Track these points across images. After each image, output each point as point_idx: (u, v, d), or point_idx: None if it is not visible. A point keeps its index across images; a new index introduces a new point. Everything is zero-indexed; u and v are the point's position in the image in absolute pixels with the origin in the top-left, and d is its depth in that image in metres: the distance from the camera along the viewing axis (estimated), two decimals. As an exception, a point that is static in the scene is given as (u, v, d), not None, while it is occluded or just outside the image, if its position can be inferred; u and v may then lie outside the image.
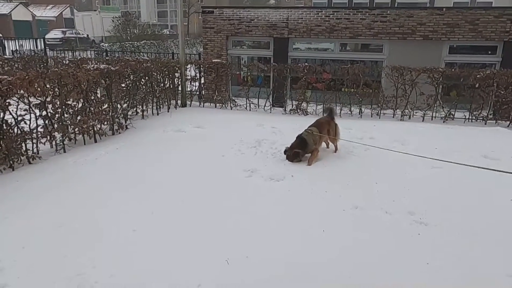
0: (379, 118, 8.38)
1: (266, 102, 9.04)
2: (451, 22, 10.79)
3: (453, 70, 8.44)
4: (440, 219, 3.56)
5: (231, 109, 9.24)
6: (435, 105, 8.25)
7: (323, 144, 5.69)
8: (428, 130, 7.01)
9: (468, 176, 4.33)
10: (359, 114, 8.53)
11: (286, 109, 8.99)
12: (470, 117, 8.13)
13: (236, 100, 9.42)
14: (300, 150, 5.11)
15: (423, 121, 8.11)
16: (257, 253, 3.01)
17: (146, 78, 7.93)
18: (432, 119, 8.22)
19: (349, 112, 8.63)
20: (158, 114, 8.23)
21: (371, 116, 8.48)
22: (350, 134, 6.58)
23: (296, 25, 11.68)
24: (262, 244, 3.16)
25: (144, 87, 7.91)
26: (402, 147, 5.82)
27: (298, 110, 8.75)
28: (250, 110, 9.12)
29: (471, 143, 6.01)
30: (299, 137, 5.23)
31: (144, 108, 7.88)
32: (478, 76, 7.85)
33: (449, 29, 10.82)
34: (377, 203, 3.87)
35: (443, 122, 8.05)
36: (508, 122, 7.83)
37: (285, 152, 5.21)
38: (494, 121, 8.01)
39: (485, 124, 7.87)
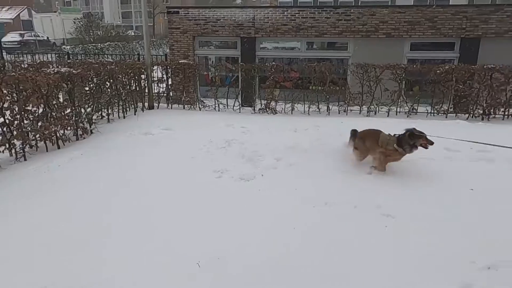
0: (346, 114, 8.55)
1: (235, 102, 9.02)
2: (412, 20, 11.16)
3: (414, 66, 8.74)
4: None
5: (200, 110, 9.15)
6: (399, 100, 8.50)
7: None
8: (392, 125, 7.18)
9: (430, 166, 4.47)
10: (327, 111, 8.67)
11: (255, 108, 9.00)
12: (432, 111, 8.44)
13: (204, 101, 9.34)
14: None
15: (388, 116, 8.34)
16: (231, 254, 2.99)
17: (111, 80, 7.71)
18: (396, 114, 8.48)
19: (317, 110, 8.75)
20: (124, 117, 8.03)
21: (339, 113, 8.64)
22: (318, 130, 6.69)
23: (263, 24, 11.73)
24: (235, 244, 3.14)
25: (109, 90, 7.69)
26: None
27: (267, 109, 8.79)
28: (219, 110, 9.07)
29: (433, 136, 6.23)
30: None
31: (109, 111, 7.67)
32: (437, 71, 8.16)
33: (410, 26, 11.19)
34: (348, 199, 3.92)
35: (407, 116, 8.32)
36: (467, 115, 8.18)
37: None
38: (454, 115, 8.35)
39: (446, 117, 8.19)
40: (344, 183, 4.38)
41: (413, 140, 4.38)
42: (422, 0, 26.27)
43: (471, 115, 8.17)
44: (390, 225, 3.42)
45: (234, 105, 9.02)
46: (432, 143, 4.38)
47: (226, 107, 9.10)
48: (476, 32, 10.95)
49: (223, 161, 5.11)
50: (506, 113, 8.05)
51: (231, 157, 5.30)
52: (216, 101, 9.07)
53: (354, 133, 5.08)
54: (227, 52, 12.50)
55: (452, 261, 2.84)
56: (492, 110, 8.03)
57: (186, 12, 12.13)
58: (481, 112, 8.11)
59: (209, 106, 9.18)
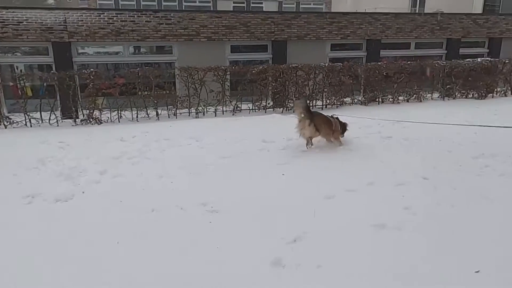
0: (176, 118, 8.61)
1: (50, 115, 8.02)
2: (229, 24, 11.98)
3: (233, 67, 9.42)
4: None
5: (6, 128, 7.81)
6: (224, 100, 9.03)
7: None
8: (220, 124, 7.64)
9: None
10: (156, 116, 8.55)
11: (77, 120, 8.21)
12: (254, 108, 9.25)
13: (11, 117, 8.01)
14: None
15: (215, 116, 8.76)
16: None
17: None
18: (223, 113, 8.98)
19: (147, 116, 8.54)
20: None
21: (169, 117, 8.63)
22: (147, 137, 6.55)
23: (77, 28, 10.77)
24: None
25: None
26: (197, 143, 6.17)
27: (91, 120, 8.13)
28: (31, 126, 7.93)
29: (255, 130, 6.85)
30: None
31: None
32: (253, 71, 8.98)
33: (228, 30, 11.99)
34: (197, 200, 3.94)
35: (233, 115, 8.91)
36: (282, 109, 9.27)
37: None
38: (272, 109, 9.35)
39: (265, 112, 9.10)
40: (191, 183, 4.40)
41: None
42: (241, 7, 28.61)
43: (285, 108, 9.28)
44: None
45: (50, 119, 8.01)
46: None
47: (40, 121, 8.02)
48: (283, 36, 12.50)
49: (34, 184, 4.48)
50: (311, 104, 9.42)
51: (45, 178, 4.69)
52: (27, 116, 7.89)
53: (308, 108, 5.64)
54: (38, 59, 11.04)
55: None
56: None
57: (-25, 12, 10.18)
58: (292, 105, 9.29)
59: (17, 122, 7.91)
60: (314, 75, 9.35)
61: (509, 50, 14.56)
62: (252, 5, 29.32)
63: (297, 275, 2.74)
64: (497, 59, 11.40)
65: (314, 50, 12.81)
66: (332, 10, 27.72)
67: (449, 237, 3.17)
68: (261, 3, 29.60)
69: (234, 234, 3.32)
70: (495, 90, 10.91)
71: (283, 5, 30.18)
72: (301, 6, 30.68)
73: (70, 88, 8.15)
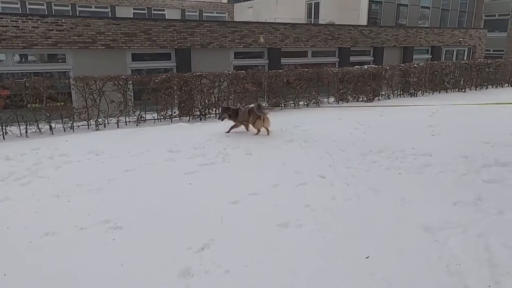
0: (73, 131, 7.97)
1: None
2: (128, 31, 11.52)
3: (135, 76, 9.08)
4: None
5: None
6: (127, 110, 8.63)
7: None
8: (123, 135, 7.28)
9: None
10: (50, 130, 7.81)
11: (-51, 139, 7.12)
12: (159, 117, 9.01)
13: None
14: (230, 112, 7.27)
15: (118, 127, 8.32)
16: None
17: None
18: (126, 124, 8.57)
19: (38, 130, 7.75)
20: None
21: (64, 131, 7.95)
22: (38, 154, 5.95)
23: None
24: None
25: None
26: (97, 157, 5.80)
27: (-32, 138, 7.11)
28: None
29: (160, 140, 6.68)
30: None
31: None
32: (156, 80, 8.76)
33: (128, 38, 11.53)
34: (99, 218, 3.65)
35: (136, 125, 8.56)
36: (188, 117, 9.19)
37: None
38: (179, 118, 9.21)
39: (171, 121, 8.92)
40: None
41: None
42: (142, 14, 27.73)
43: (192, 116, 9.23)
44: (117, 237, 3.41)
45: None
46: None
47: None
48: (186, 44, 12.44)
49: None
50: (217, 111, 9.52)
51: None
52: None
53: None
54: None
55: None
56: (206, 111, 9.33)
57: None
58: (198, 113, 9.28)
59: None
60: (219, 83, 9.46)
61: (390, 58, 16.53)
62: (153, 12, 28.65)
63: (205, 282, 2.75)
64: (381, 66, 12.83)
65: (218, 58, 12.99)
66: (235, 19, 28.46)
67: (343, 228, 3.48)
68: (163, 10, 29.08)
69: (140, 248, 3.21)
70: (380, 93, 12.24)
71: (186, 13, 30.06)
72: (204, 14, 30.90)
73: None
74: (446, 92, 13.78)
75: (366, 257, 2.98)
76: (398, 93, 12.86)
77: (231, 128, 7.27)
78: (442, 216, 3.62)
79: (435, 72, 13.47)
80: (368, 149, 5.89)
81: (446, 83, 13.84)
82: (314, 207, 3.88)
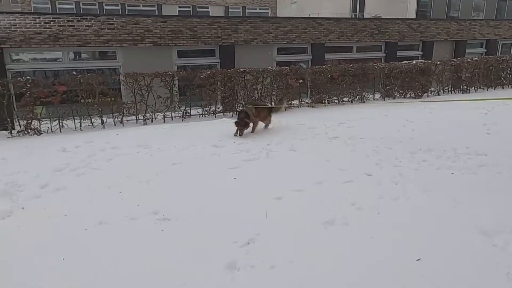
0: (123, 125, 8.32)
1: (-19, 127, 7.44)
2: (175, 29, 11.82)
3: (181, 72, 9.30)
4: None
5: None
6: (173, 106, 8.88)
7: None
8: (169, 130, 7.49)
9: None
10: (102, 124, 8.22)
11: (12, 131, 7.68)
12: (203, 113, 9.19)
13: None
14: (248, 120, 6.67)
15: (164, 122, 8.59)
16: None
17: None
18: (172, 119, 8.82)
19: (91, 124, 8.17)
20: None
21: (115, 125, 8.33)
22: (91, 146, 6.27)
23: (10, 33, 10.08)
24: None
25: None
26: (145, 150, 6.01)
27: (29, 131, 7.63)
28: (-41, 140, 7.30)
29: (205, 135, 6.81)
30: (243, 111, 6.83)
31: None
32: (201, 76, 8.92)
33: (174, 35, 11.83)
34: (148, 209, 3.82)
35: (182, 120, 8.79)
36: (232, 113, 9.29)
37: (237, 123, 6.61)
38: (222, 114, 9.34)
39: (215, 117, 9.07)
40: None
41: None
42: (186, 11, 28.35)
43: (235, 112, 9.31)
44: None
45: (-20, 131, 7.43)
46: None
47: (-32, 135, 7.41)
48: (230, 40, 12.55)
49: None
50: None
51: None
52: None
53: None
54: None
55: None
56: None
57: None
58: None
59: None
60: (262, 79, 9.47)
61: (441, 52, 15.75)
62: (198, 9, 29.16)
63: (251, 277, 2.77)
64: (430, 61, 12.26)
65: (261, 54, 13.00)
66: (278, 15, 28.34)
67: (392, 228, 3.37)
68: (207, 7, 29.52)
69: (187, 240, 3.29)
70: (429, 89, 11.71)
71: (229, 10, 30.32)
72: (247, 11, 31.00)
73: (4, 97, 7.59)
74: (503, 88, 12.94)
75: (417, 259, 2.86)
76: (449, 89, 12.25)
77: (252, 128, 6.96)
78: (499, 220, 3.41)
79: (491, 67, 12.66)
80: (417, 147, 5.66)
81: (502, 78, 12.99)
82: (361, 205, 3.79)
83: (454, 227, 3.35)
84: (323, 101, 10.27)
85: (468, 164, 4.92)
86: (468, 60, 12.42)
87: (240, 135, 6.68)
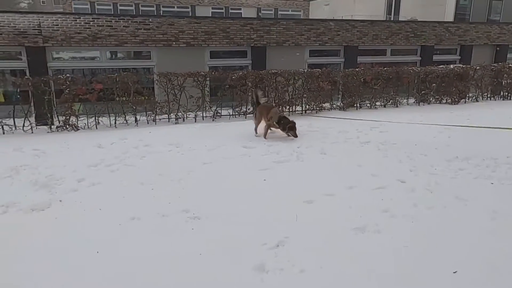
0: (156, 124, 8.50)
1: (24, 122, 7.79)
2: (208, 30, 11.97)
3: (213, 73, 9.41)
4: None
5: (-25, 135, 7.54)
6: (204, 105, 8.99)
7: None
8: (200, 129, 7.60)
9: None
10: (135, 122, 8.43)
11: (52, 126, 8.00)
12: (234, 113, 9.25)
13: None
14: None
15: (195, 121, 8.70)
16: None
17: None
18: (203, 119, 8.93)
19: (125, 122, 8.40)
20: None
21: (148, 123, 8.52)
22: (125, 143, 6.44)
23: (52, 32, 10.53)
24: None
25: None
26: (177, 149, 6.12)
27: (67, 126, 7.93)
28: (4, 133, 7.67)
29: (235, 136, 6.86)
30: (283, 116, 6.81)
31: None
32: (233, 77, 8.98)
33: (207, 36, 11.98)
34: (179, 207, 3.89)
35: (213, 120, 8.88)
36: (262, 114, 9.29)
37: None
38: (252, 115, 9.34)
39: (246, 118, 9.09)
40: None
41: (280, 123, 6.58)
42: (219, 13, 28.68)
43: (265, 114, 9.32)
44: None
45: (24, 125, 7.78)
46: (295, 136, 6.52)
47: (13, 128, 7.77)
48: (262, 42, 12.58)
49: (7, 193, 4.33)
50: (291, 109, 9.51)
51: (18, 187, 4.55)
52: (-2, 123, 7.64)
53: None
54: (11, 64, 10.73)
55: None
56: (280, 108, 9.36)
57: None
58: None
59: (-13, 129, 7.64)
60: (293, 81, 9.42)
61: (480, 57, 15.14)
62: (230, 11, 29.43)
63: (280, 280, 2.75)
64: (469, 66, 11.80)
65: (292, 56, 12.95)
66: (310, 17, 28.16)
67: (426, 238, 3.26)
68: (240, 9, 29.74)
69: (217, 240, 3.31)
70: (467, 95, 11.28)
71: (262, 11, 30.42)
72: (279, 12, 31.00)
73: (45, 93, 7.93)
74: (548, 95, 12.27)
75: (454, 272, 2.75)
76: (488, 96, 11.75)
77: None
78: (544, 235, 3.23)
79: (534, 73, 12.03)
80: (454, 155, 5.46)
81: (547, 85, 12.31)
82: (394, 213, 3.69)
83: (494, 240, 3.20)
84: (355, 105, 10.09)
85: (509, 175, 4.69)
86: (510, 65, 11.86)
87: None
